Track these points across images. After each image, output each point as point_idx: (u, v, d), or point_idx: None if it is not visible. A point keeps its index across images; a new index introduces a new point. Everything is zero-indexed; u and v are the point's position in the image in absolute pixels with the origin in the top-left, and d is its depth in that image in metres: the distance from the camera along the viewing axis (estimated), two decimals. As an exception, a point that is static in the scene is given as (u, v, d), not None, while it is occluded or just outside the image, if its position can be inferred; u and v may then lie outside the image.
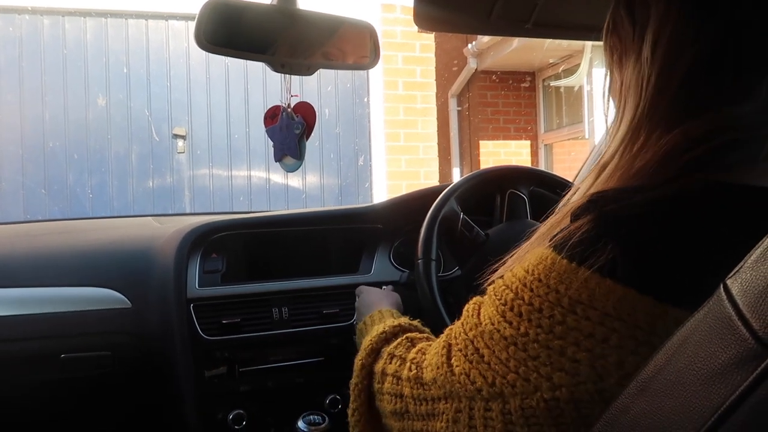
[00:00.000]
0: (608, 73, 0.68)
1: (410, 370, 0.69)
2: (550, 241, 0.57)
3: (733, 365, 0.39)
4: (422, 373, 0.66)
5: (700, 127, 0.57)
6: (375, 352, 0.80)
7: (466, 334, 0.61)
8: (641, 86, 0.61)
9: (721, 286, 0.42)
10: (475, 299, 0.64)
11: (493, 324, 0.58)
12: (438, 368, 0.63)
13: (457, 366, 0.61)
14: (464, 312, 0.64)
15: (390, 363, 0.74)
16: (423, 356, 0.69)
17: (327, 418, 1.20)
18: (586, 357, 0.52)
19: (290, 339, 1.27)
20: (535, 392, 0.54)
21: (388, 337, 0.80)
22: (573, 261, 0.53)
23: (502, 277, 0.61)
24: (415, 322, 0.85)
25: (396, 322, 0.83)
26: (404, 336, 0.78)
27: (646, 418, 0.45)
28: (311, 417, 1.19)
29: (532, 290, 0.55)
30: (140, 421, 1.31)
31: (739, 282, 0.41)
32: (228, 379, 1.22)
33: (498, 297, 0.59)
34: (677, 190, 0.54)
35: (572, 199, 0.62)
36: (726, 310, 0.40)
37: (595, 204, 0.55)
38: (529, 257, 0.58)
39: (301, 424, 1.18)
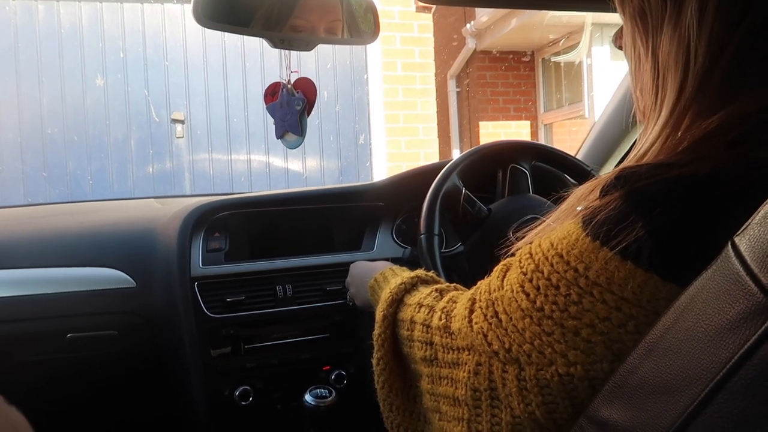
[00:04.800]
0: (631, 43, 0.59)
1: (440, 319, 0.68)
2: (579, 212, 0.55)
3: (741, 320, 0.39)
4: (450, 323, 0.66)
5: (751, 105, 0.52)
6: (396, 302, 0.80)
7: (489, 294, 0.60)
8: (686, 60, 0.53)
9: (729, 243, 0.42)
10: (506, 260, 0.62)
11: (512, 292, 0.57)
12: (462, 320, 0.63)
13: (476, 323, 0.60)
14: (493, 271, 0.63)
15: (418, 312, 0.74)
16: (453, 305, 0.69)
17: (333, 392, 1.21)
18: (601, 340, 0.51)
19: (294, 316, 1.27)
20: (551, 365, 0.53)
21: (407, 288, 0.80)
22: (596, 240, 0.51)
23: (530, 243, 0.59)
24: (431, 273, 0.84)
25: (413, 274, 0.83)
26: (434, 288, 0.78)
27: (654, 376, 0.45)
28: (318, 390, 1.20)
29: (552, 265, 0.54)
30: (146, 399, 1.32)
31: (747, 238, 0.41)
32: (234, 356, 1.23)
33: (521, 266, 0.57)
34: (713, 167, 0.49)
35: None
36: (734, 266, 0.40)
37: (625, 180, 0.52)
38: (558, 229, 0.56)
39: (308, 397, 1.19)
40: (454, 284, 0.81)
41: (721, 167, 0.49)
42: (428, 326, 0.70)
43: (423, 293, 0.77)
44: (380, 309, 0.81)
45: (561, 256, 0.53)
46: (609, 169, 1.54)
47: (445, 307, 0.70)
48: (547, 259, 0.55)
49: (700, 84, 0.53)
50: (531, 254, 0.57)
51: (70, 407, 1.29)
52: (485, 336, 0.59)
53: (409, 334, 0.74)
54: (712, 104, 0.53)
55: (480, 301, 0.62)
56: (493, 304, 0.59)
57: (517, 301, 0.56)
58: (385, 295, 0.82)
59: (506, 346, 0.56)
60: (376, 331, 0.81)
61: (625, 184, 0.51)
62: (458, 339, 0.64)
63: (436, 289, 0.77)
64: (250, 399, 1.22)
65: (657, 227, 0.49)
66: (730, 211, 0.47)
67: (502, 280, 0.60)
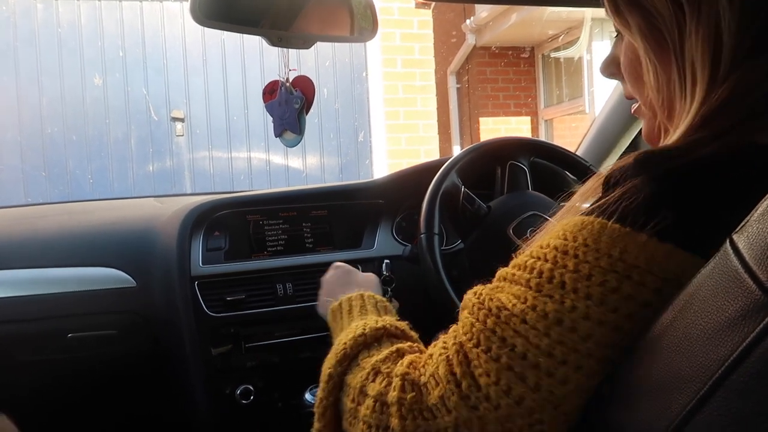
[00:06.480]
0: (645, 57, 0.56)
1: (403, 391, 0.53)
2: (589, 208, 0.51)
3: (740, 317, 0.39)
4: (422, 395, 0.52)
5: (758, 72, 0.50)
6: (348, 359, 0.63)
7: (484, 325, 0.50)
8: (716, 49, 0.51)
9: (728, 240, 0.42)
10: (474, 290, 0.54)
11: (525, 302, 0.49)
12: (448, 383, 0.50)
13: (480, 375, 0.48)
14: (464, 311, 0.53)
15: (373, 381, 0.57)
16: (417, 371, 0.54)
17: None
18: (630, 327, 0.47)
19: (295, 314, 1.27)
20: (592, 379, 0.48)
21: (368, 342, 0.63)
22: (626, 226, 0.47)
23: (523, 252, 0.53)
24: (403, 324, 0.68)
25: (380, 324, 0.65)
26: (394, 347, 0.61)
27: (653, 374, 0.45)
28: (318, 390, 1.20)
29: (576, 256, 0.48)
30: (147, 398, 1.33)
31: (745, 236, 0.40)
32: (234, 355, 1.23)
33: (528, 271, 0.50)
34: (732, 151, 0.48)
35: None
36: (732, 263, 0.40)
37: (645, 165, 0.49)
38: (559, 227, 0.51)
39: (308, 396, 1.19)
40: (416, 344, 0.64)
41: (739, 150, 0.49)
42: (384, 403, 0.54)
43: (383, 354, 0.60)
44: (327, 365, 0.64)
45: (587, 245, 0.48)
46: (609, 165, 1.54)
47: (407, 374, 0.54)
48: (567, 253, 0.48)
49: (731, 66, 0.51)
50: (538, 257, 0.51)
51: (71, 407, 1.29)
52: (497, 383, 0.48)
53: (353, 408, 0.57)
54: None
55: (472, 342, 0.50)
56: (495, 332, 0.50)
57: (535, 309, 0.49)
58: (337, 345, 0.65)
59: (532, 383, 0.48)
60: (319, 394, 0.64)
61: (646, 170, 0.49)
62: (442, 413, 0.50)
63: (397, 350, 0.60)
64: (251, 398, 1.22)
65: (686, 208, 0.47)
66: (745, 192, 0.45)
67: (491, 305, 0.52)
